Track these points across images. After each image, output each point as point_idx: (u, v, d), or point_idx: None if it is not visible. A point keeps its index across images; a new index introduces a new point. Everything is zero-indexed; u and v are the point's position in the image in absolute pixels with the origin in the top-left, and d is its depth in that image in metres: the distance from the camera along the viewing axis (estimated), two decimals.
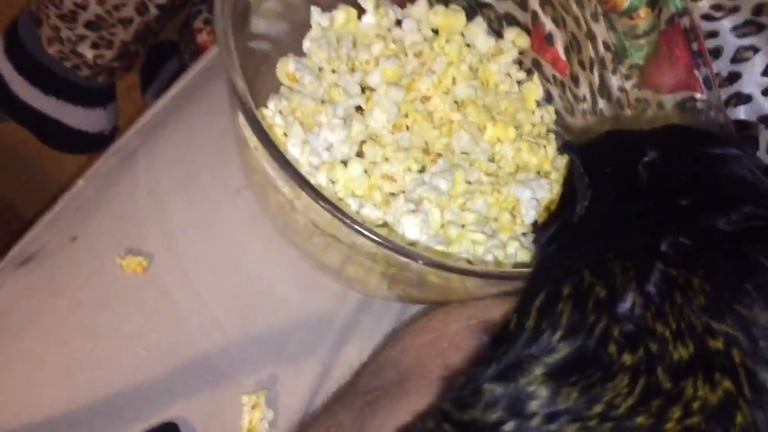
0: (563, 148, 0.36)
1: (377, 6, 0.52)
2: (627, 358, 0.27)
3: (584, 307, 0.29)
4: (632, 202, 0.34)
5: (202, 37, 0.86)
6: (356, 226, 0.35)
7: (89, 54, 0.68)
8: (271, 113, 0.49)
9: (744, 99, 0.45)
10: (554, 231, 0.37)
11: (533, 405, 0.28)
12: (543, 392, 0.28)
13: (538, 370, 0.28)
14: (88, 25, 0.66)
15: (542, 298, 0.30)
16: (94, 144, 0.78)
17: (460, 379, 0.31)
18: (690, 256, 0.30)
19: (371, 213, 0.47)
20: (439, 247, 0.43)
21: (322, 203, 0.35)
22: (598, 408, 0.27)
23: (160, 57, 1.02)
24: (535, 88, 0.53)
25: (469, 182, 0.48)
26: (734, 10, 0.44)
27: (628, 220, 0.33)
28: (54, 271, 0.50)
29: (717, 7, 0.44)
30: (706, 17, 0.44)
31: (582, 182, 0.35)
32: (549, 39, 0.52)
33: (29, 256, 0.51)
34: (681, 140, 0.38)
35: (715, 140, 0.37)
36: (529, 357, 0.28)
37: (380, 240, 0.35)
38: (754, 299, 0.29)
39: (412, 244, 0.44)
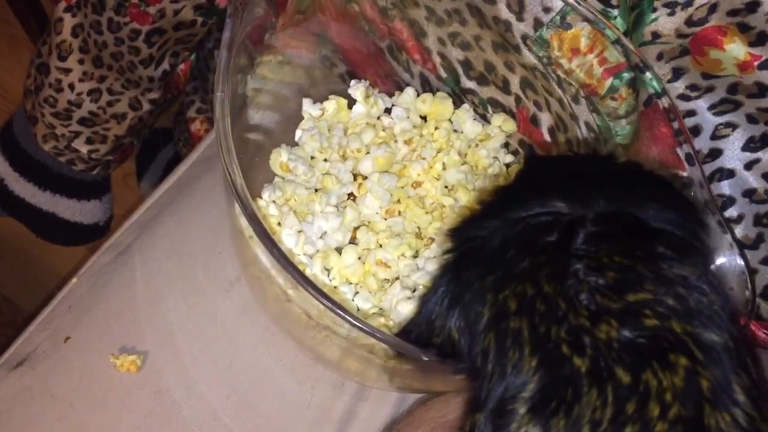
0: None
1: (366, 96, 0.54)
2: (579, 363, 0.27)
3: (533, 320, 0.28)
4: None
5: (195, 126, 0.88)
6: (353, 320, 0.35)
7: (84, 149, 0.69)
8: (265, 203, 0.50)
9: (727, 174, 0.46)
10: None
11: None
12: None
13: (522, 409, 0.27)
14: (83, 121, 0.67)
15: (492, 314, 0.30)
16: (89, 235, 0.79)
17: None
18: (597, 237, 0.30)
19: (366, 301, 0.47)
20: None
21: (320, 298, 0.35)
22: (585, 430, 0.26)
23: (155, 144, 1.04)
24: None
25: None
26: (709, 89, 0.45)
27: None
28: (47, 373, 0.49)
29: (692, 87, 0.45)
30: (683, 97, 0.46)
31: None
32: (534, 120, 0.53)
33: (23, 358, 0.50)
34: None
35: None
36: (509, 397, 0.28)
37: (377, 334, 0.35)
38: (670, 258, 0.29)
39: None
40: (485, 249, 0.32)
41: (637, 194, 0.33)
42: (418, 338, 0.35)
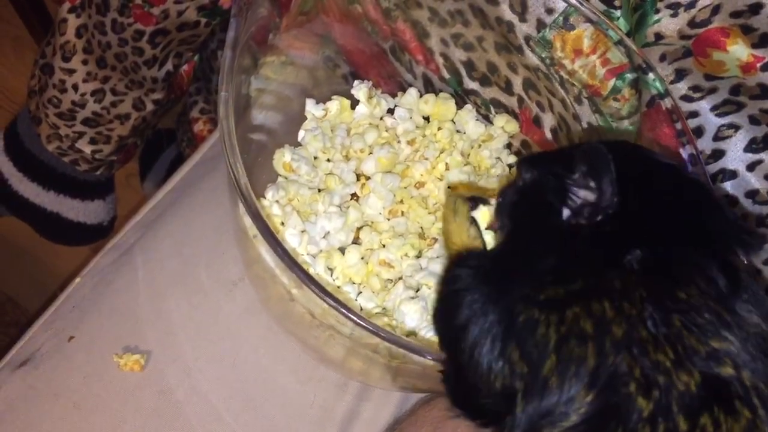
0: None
1: (370, 96, 0.54)
2: (642, 404, 0.26)
3: (604, 347, 0.27)
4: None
5: (198, 127, 0.88)
6: (356, 318, 0.35)
7: (87, 149, 0.70)
8: (269, 203, 0.50)
9: (729, 175, 0.46)
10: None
11: None
12: None
13: None
14: (86, 122, 0.67)
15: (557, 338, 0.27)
16: (92, 235, 0.79)
17: None
18: (688, 269, 0.29)
19: (369, 300, 0.47)
20: None
21: (323, 296, 0.35)
22: None
23: (158, 145, 1.04)
24: None
25: None
26: (712, 90, 0.45)
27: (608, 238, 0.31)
28: (51, 372, 0.49)
29: (695, 89, 0.45)
30: (686, 98, 0.46)
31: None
32: (536, 121, 0.53)
33: (27, 358, 0.50)
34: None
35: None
36: (548, 423, 0.27)
37: (381, 332, 0.35)
38: (750, 311, 0.29)
39: (412, 332, 0.44)
40: (532, 258, 0.31)
41: (713, 223, 0.32)
42: (470, 400, 0.32)
